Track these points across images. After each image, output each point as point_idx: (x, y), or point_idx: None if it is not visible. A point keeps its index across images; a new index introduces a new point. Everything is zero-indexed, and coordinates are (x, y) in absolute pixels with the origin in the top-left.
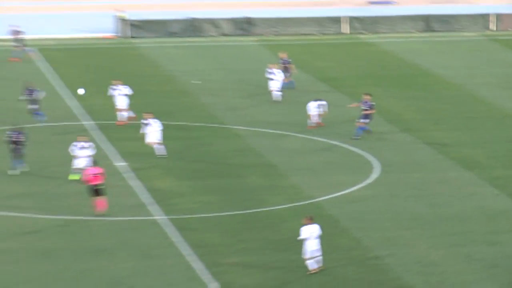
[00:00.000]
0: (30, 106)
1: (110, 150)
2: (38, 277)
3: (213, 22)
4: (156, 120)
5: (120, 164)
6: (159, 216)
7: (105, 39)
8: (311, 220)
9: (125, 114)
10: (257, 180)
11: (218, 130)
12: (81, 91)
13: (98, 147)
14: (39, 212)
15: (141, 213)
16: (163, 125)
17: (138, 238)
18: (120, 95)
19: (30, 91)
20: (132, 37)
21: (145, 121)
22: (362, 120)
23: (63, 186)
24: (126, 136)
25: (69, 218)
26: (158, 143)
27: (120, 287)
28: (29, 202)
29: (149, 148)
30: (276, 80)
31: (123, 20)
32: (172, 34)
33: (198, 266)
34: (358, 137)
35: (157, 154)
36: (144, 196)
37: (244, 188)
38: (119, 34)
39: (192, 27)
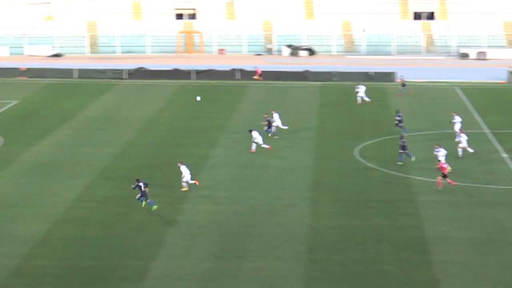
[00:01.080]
0: (399, 124)
1: (498, 147)
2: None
3: None
4: (463, 134)
5: (504, 155)
6: None
7: (501, 83)
8: None
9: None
10: None
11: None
12: (198, 98)
13: (492, 144)
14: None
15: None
16: None
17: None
18: (455, 122)
19: (399, 115)
20: None
21: (459, 135)
22: None
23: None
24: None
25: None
26: (467, 148)
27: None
28: (421, 173)
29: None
30: None
31: (511, 73)
32: None
33: None
34: None
35: (470, 152)
36: None
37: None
38: (509, 81)
39: None
